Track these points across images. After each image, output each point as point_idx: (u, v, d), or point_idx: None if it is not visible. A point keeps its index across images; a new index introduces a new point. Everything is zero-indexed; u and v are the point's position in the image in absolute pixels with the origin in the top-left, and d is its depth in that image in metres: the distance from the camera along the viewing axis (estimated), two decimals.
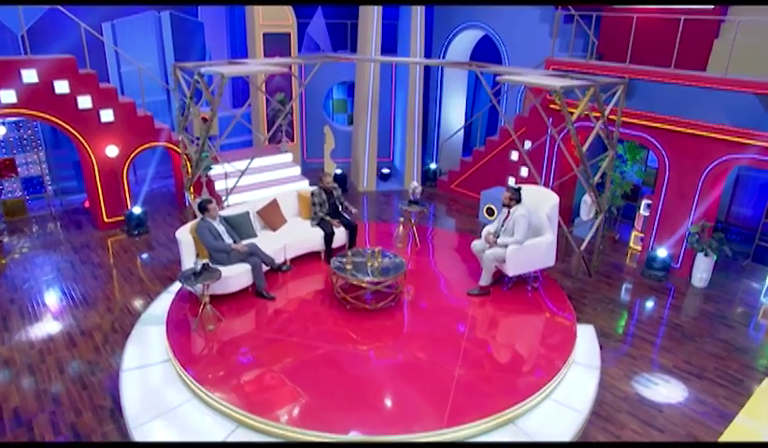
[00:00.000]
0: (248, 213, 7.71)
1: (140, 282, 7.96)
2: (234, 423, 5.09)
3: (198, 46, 12.46)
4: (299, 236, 7.85)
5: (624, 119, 8.03)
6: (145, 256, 8.84)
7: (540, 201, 7.30)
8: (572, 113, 6.78)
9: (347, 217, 8.17)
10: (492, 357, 5.99)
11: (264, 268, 7.09)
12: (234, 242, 7.01)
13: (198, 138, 9.31)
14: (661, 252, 8.20)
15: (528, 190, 7.32)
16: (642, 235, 9.11)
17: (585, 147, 7.15)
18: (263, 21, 11.32)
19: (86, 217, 10.19)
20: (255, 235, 7.63)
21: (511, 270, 7.01)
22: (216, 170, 9.89)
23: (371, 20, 11.13)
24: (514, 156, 10.56)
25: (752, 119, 7.32)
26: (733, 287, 8.21)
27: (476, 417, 5.01)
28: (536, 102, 8.52)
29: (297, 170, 11.52)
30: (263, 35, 11.42)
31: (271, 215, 8.00)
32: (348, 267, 6.73)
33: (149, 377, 5.74)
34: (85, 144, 9.09)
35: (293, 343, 6.08)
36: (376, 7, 11.03)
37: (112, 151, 9.24)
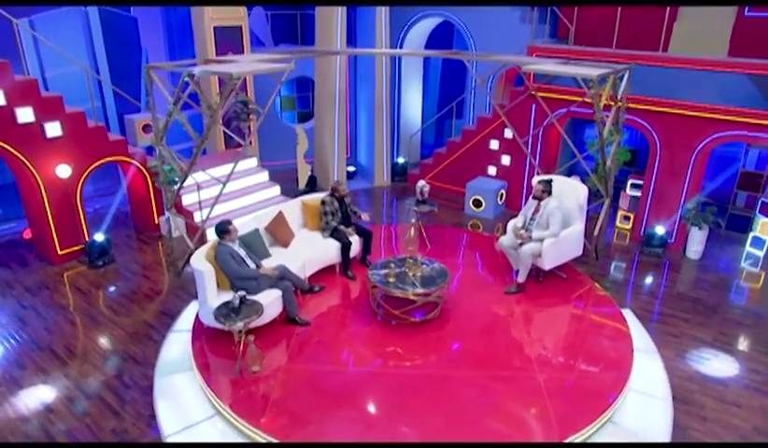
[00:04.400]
0: (257, 230, 6.86)
1: (131, 322, 6.81)
2: None
3: (132, 44, 10.97)
4: (315, 250, 7.15)
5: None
6: (121, 289, 7.60)
7: (562, 191, 7.25)
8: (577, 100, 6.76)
9: (360, 224, 7.60)
10: (563, 356, 5.83)
11: None
12: (257, 265, 6.19)
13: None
14: (659, 229, 8.56)
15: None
16: (629, 214, 9.48)
17: (606, 131, 7.18)
18: (214, 14, 10.16)
19: (29, 251, 8.56)
20: (269, 255, 6.82)
21: (547, 263, 6.90)
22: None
23: (334, 10, 10.43)
24: (494, 145, 10.51)
25: (744, 97, 7.78)
26: (722, 255, 8.79)
27: (585, 423, 4.83)
28: (533, 90, 8.49)
29: (265, 175, 10.59)
30: (214, 28, 10.27)
31: (279, 229, 7.20)
32: (391, 280, 6.21)
33: (202, 440, 4.88)
34: (28, 165, 7.57)
35: (353, 373, 5.50)
36: None
37: (64, 171, 7.80)
